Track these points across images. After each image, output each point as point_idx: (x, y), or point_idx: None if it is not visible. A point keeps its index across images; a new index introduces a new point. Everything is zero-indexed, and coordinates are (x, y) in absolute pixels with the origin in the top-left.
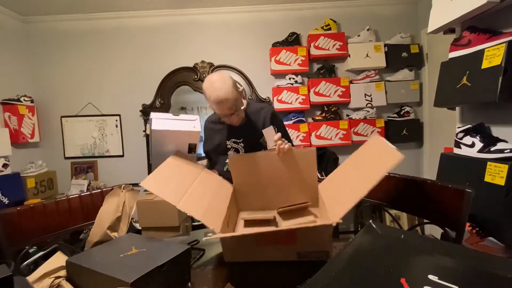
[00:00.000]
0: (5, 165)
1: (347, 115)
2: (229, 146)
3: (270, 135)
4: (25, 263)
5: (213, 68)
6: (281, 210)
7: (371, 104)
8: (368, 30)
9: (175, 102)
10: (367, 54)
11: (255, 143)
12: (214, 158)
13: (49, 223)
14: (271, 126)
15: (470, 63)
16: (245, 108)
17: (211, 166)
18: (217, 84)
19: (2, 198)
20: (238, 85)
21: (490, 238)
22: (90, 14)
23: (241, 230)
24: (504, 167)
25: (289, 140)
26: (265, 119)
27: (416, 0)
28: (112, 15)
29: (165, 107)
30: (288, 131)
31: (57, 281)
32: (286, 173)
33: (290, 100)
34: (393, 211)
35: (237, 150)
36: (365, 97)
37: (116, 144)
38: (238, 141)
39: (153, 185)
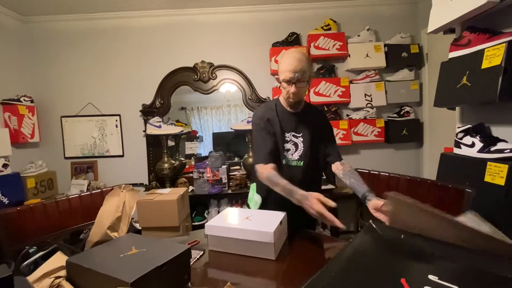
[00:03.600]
0: (5, 165)
1: (347, 115)
2: (288, 139)
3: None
4: (25, 263)
5: (213, 68)
6: None
7: (371, 104)
8: (368, 30)
9: (175, 102)
10: (367, 54)
11: (313, 142)
12: (276, 147)
13: (49, 223)
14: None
15: (470, 63)
16: (305, 90)
17: (274, 157)
18: (295, 49)
19: (2, 198)
20: (312, 67)
21: None
22: (90, 14)
23: None
24: (504, 167)
25: (334, 140)
26: (323, 119)
27: (416, 0)
28: (112, 15)
29: (165, 107)
30: None
31: (57, 281)
32: None
33: None
34: None
35: (295, 144)
36: (365, 97)
37: (116, 144)
38: (297, 135)
39: None
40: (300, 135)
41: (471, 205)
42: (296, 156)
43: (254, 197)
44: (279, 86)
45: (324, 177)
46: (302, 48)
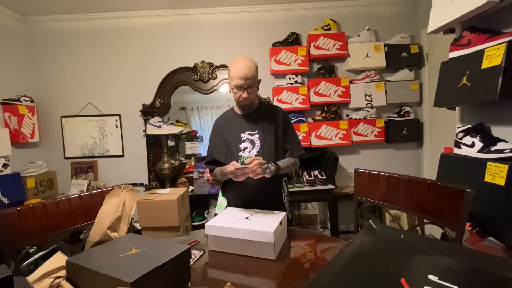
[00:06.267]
0: (5, 165)
1: (347, 115)
2: (244, 138)
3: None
4: (25, 263)
5: (213, 68)
6: None
7: (371, 104)
8: (368, 30)
9: (175, 102)
10: (367, 54)
11: (269, 135)
12: (227, 152)
13: (49, 223)
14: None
15: (470, 63)
16: (255, 93)
17: (215, 163)
18: (244, 57)
19: (2, 198)
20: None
21: (490, 238)
22: (90, 14)
23: None
24: (504, 167)
25: (298, 142)
26: (277, 114)
27: (416, 0)
28: (112, 15)
29: (165, 107)
30: None
31: (57, 281)
32: None
33: (290, 100)
34: (393, 211)
35: (252, 142)
36: (365, 97)
37: (116, 144)
38: (253, 133)
39: None
40: (255, 132)
41: (471, 205)
42: (253, 152)
43: (221, 201)
44: (230, 90)
45: (324, 177)
46: (302, 48)
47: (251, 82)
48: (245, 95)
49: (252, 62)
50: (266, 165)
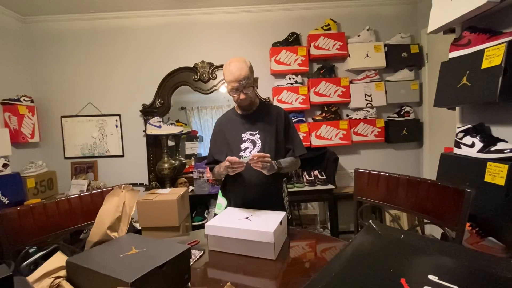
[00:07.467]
0: (5, 165)
1: (347, 115)
2: (245, 138)
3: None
4: (25, 263)
5: (213, 68)
6: None
7: (371, 104)
8: (368, 30)
9: (175, 102)
10: (367, 54)
11: (270, 135)
12: (228, 153)
13: (49, 223)
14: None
15: (470, 63)
16: (254, 93)
17: (216, 164)
18: (235, 59)
19: (2, 198)
20: (253, 71)
21: (490, 238)
22: (90, 14)
23: None
24: (504, 167)
25: (300, 142)
26: (278, 114)
27: (416, 0)
28: (112, 15)
29: (165, 107)
30: None
31: (57, 281)
32: None
33: (290, 100)
34: (393, 211)
35: (253, 142)
36: (365, 97)
37: (116, 144)
38: (254, 133)
39: None
40: (256, 132)
41: (471, 205)
42: (254, 152)
43: (220, 202)
44: (229, 93)
45: (324, 177)
46: (302, 48)
47: (244, 83)
48: (241, 96)
49: (243, 63)
50: (268, 163)
